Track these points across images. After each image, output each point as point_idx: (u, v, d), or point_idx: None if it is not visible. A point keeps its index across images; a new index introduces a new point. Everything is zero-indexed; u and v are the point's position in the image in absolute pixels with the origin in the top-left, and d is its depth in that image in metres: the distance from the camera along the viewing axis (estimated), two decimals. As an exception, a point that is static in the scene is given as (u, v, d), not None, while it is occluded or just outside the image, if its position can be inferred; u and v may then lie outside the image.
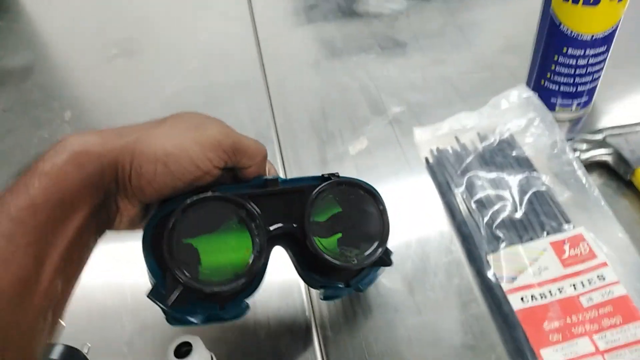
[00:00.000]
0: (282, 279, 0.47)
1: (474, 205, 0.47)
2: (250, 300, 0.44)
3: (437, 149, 0.54)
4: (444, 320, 0.43)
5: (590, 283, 0.40)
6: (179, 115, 0.36)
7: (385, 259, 0.39)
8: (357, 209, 0.38)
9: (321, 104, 0.64)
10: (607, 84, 0.56)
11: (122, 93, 0.72)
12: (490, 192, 0.48)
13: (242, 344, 0.44)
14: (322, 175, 0.39)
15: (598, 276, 0.40)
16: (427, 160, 0.54)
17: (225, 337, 0.44)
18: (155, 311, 0.47)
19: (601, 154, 0.49)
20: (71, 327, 0.45)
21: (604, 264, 0.41)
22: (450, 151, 0.53)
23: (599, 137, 0.50)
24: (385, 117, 0.61)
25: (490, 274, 0.42)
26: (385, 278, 0.46)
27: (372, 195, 0.39)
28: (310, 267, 0.39)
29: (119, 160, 0.31)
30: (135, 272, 0.37)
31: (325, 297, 0.43)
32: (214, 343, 0.43)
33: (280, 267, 0.47)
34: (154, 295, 0.35)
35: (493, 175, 0.49)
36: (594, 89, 0.55)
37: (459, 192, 0.49)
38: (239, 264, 0.34)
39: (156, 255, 0.34)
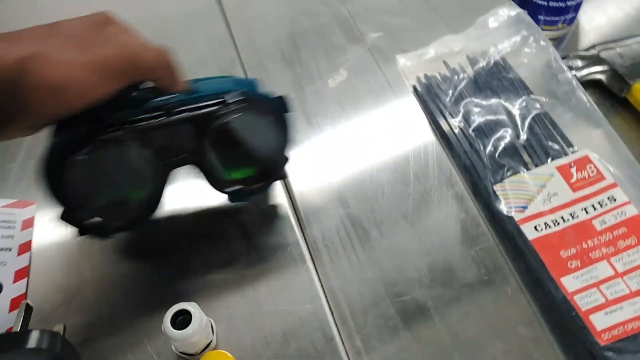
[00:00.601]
0: (277, 239, 0.43)
1: (473, 134, 0.45)
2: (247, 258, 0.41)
3: (425, 76, 0.50)
4: (455, 257, 0.41)
5: (601, 205, 0.39)
6: (66, 27, 0.32)
7: (283, 174, 0.42)
8: (258, 129, 0.39)
9: (290, 33, 0.58)
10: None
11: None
12: (490, 118, 0.45)
13: (241, 305, 0.40)
14: (224, 100, 0.36)
15: (609, 198, 0.39)
16: (415, 88, 0.50)
17: (223, 299, 0.40)
18: (135, 276, 0.42)
19: (596, 71, 0.48)
20: (40, 311, 0.39)
21: (614, 185, 0.40)
22: (439, 77, 0.49)
23: (592, 52, 0.48)
24: (364, 45, 0.55)
25: (500, 206, 0.40)
26: (388, 219, 0.43)
27: (274, 110, 0.39)
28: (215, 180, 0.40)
29: (8, 86, 0.29)
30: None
31: (232, 201, 0.44)
32: (212, 308, 0.39)
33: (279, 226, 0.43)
34: (64, 218, 0.36)
35: (489, 101, 0.46)
36: (579, 4, 0.52)
37: (455, 121, 0.46)
38: (136, 197, 0.38)
39: (54, 186, 0.34)
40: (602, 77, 0.48)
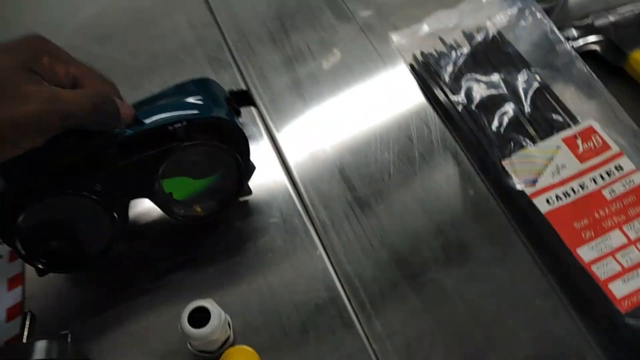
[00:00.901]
0: (285, 228, 0.42)
1: (476, 111, 0.44)
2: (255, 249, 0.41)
3: (422, 54, 0.49)
4: (468, 235, 0.40)
5: (609, 175, 0.39)
6: None
7: (247, 191, 0.41)
8: (210, 153, 0.37)
9: (276, 13, 0.55)
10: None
11: (23, 20, 0.58)
12: (492, 94, 0.44)
13: (255, 298, 0.39)
14: (169, 127, 0.35)
15: (616, 167, 0.40)
16: (412, 67, 0.49)
17: (236, 293, 0.39)
18: (138, 275, 0.40)
19: (591, 41, 0.48)
20: (40, 319, 0.37)
21: (620, 154, 0.40)
22: (437, 54, 0.48)
23: (587, 21, 0.48)
24: (355, 24, 0.54)
25: (510, 181, 0.40)
26: (397, 200, 0.42)
27: (226, 124, 0.37)
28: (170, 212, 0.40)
29: None
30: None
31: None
32: (225, 302, 0.37)
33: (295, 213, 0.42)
34: (24, 259, 0.37)
35: (490, 76, 0.46)
36: (569, -27, 0.52)
37: (458, 98, 0.45)
38: (99, 241, 0.37)
39: (5, 235, 0.35)
40: (597, 47, 0.48)
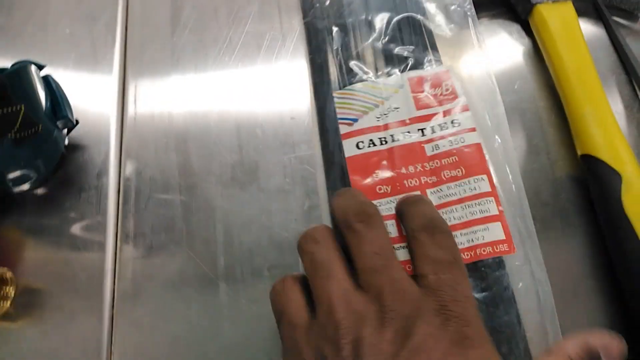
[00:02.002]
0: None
1: (334, 29, 0.37)
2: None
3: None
4: (265, 159, 0.35)
5: (442, 128, 0.33)
6: None
7: None
8: None
9: None
10: None
11: None
12: (361, 17, 0.38)
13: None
14: None
15: (453, 121, 0.33)
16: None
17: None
18: None
19: (503, -18, 0.39)
20: None
21: (465, 108, 0.33)
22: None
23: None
24: None
25: (331, 114, 0.34)
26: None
27: None
28: None
29: None
30: None
31: None
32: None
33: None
34: None
35: None
36: None
37: (326, 12, 0.38)
38: None
39: None
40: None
